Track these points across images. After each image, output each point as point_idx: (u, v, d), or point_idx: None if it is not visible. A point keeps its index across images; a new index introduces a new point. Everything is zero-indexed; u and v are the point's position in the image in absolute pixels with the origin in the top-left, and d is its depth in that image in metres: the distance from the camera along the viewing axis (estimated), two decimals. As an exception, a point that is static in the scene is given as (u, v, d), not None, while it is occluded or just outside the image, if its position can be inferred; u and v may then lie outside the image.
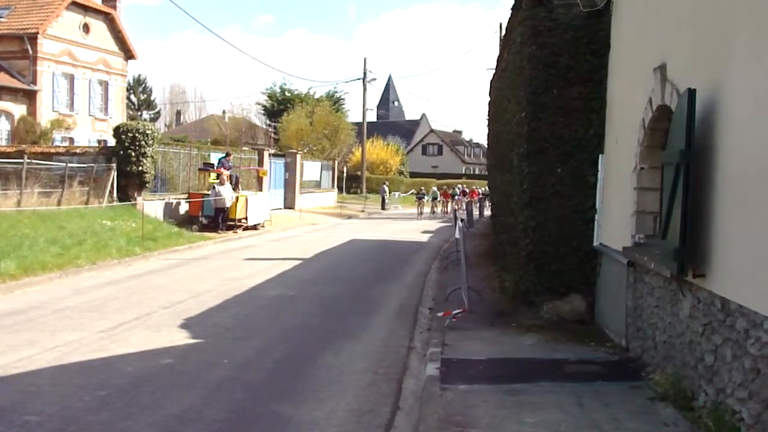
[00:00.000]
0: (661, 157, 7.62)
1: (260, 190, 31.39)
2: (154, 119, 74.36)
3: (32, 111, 35.75)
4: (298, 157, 39.33)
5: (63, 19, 37.48)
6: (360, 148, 58.44)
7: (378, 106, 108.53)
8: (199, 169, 27.21)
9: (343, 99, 66.57)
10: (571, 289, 10.70)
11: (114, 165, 23.19)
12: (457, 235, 13.74)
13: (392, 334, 10.43)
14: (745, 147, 5.62)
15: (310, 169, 42.09)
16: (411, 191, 59.03)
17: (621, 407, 6.70)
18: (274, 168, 35.75)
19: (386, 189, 47.62)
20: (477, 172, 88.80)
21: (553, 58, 10.74)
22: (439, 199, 46.31)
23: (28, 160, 21.60)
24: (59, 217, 19.29)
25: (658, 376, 7.25)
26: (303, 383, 7.74)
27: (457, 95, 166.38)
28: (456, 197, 47.55)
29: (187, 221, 24.46)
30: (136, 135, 23.43)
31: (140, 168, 23.39)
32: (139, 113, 72.09)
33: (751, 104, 5.55)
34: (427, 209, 44.65)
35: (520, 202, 11.52)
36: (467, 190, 50.43)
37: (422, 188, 45.94)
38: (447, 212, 44.57)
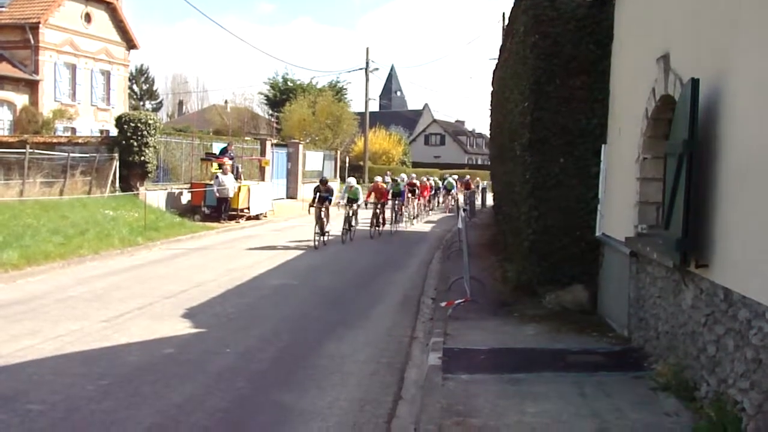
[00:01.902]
0: (665, 147, 7.60)
1: (262, 180, 31.38)
2: (156, 109, 74.29)
3: (34, 101, 35.70)
4: (301, 147, 39.28)
5: (64, 8, 37.38)
6: (362, 138, 58.38)
7: (380, 96, 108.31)
8: (202, 159, 27.21)
9: (345, 89, 66.39)
10: (573, 280, 10.70)
11: (116, 155, 23.17)
12: (459, 225, 13.73)
13: (395, 323, 10.44)
14: (749, 137, 5.60)
15: (313, 159, 42.01)
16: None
17: (623, 397, 6.70)
18: (276, 158, 35.71)
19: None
20: (479, 162, 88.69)
21: (556, 47, 10.71)
22: (360, 201, 21.72)
23: (31, 150, 21.59)
24: (61, 207, 19.30)
25: (660, 367, 7.25)
26: (305, 373, 7.76)
27: (459, 85, 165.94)
28: (399, 198, 26.42)
29: (190, 211, 24.46)
30: (139, 125, 23.41)
31: (142, 158, 23.38)
32: (141, 103, 72.03)
33: (755, 95, 5.53)
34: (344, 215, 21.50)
35: (523, 192, 11.51)
36: (417, 183, 30.79)
37: (325, 177, 24.16)
38: (382, 222, 23.42)
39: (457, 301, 10.67)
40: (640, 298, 8.49)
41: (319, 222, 19.32)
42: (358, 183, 23.51)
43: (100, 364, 7.77)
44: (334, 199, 20.75)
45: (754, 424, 5.21)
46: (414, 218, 28.90)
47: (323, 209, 19.49)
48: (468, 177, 44.27)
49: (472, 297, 11.01)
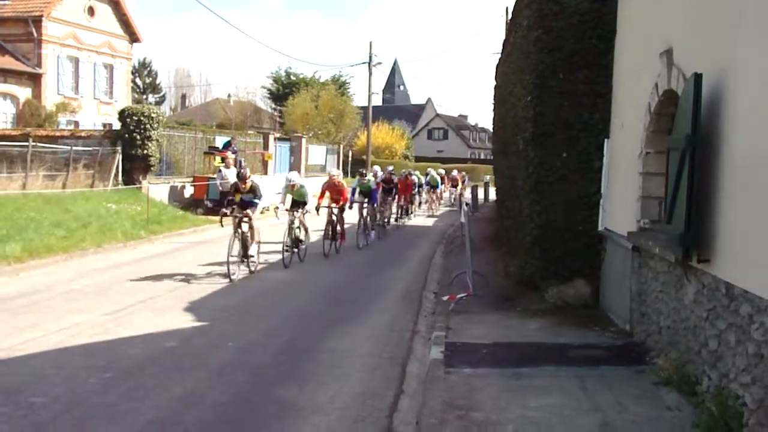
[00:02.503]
0: (667, 142, 7.59)
1: (265, 173, 31.39)
2: (159, 103, 74.23)
3: (37, 94, 35.71)
4: (303, 140, 39.26)
5: (67, 1, 37.28)
6: (365, 132, 58.35)
7: (383, 90, 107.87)
8: (205, 153, 27.24)
9: (348, 83, 66.40)
10: (575, 274, 10.70)
11: (119, 148, 23.19)
12: (462, 220, 13.72)
13: (396, 317, 10.44)
14: (752, 132, 5.59)
15: (315, 153, 42.00)
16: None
17: (625, 391, 6.71)
18: (279, 152, 35.72)
19: None
20: (482, 156, 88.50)
21: (559, 42, 10.70)
22: (309, 206, 15.61)
23: (33, 143, 21.61)
24: (64, 200, 19.32)
25: (662, 361, 7.25)
26: (307, 367, 7.77)
27: (463, 79, 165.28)
28: (370, 199, 19.14)
29: (192, 205, 24.48)
30: (141, 118, 23.44)
31: (145, 151, 23.39)
32: (144, 97, 71.98)
33: (758, 89, 5.51)
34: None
35: (526, 186, 11.51)
36: (395, 179, 23.91)
37: (244, 170, 14.17)
38: (341, 234, 16.90)
39: (459, 295, 10.68)
40: (642, 292, 8.49)
41: (237, 240, 13.07)
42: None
43: (103, 358, 7.78)
44: (260, 205, 13.90)
45: (756, 419, 5.21)
46: (369, 232, 19.26)
47: (243, 220, 13.21)
48: (455, 172, 39.69)
49: (474, 291, 11.01)
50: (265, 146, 33.56)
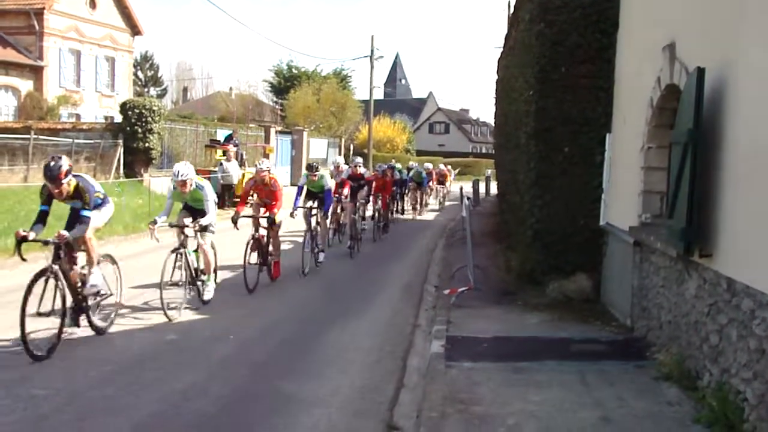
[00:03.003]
0: (669, 136, 7.57)
1: (266, 167, 31.34)
2: (160, 96, 74.04)
3: (39, 87, 35.73)
4: (305, 134, 39.25)
5: (69, -6, 37.37)
6: (367, 126, 58.27)
7: (385, 84, 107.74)
8: (206, 146, 27.24)
9: (350, 76, 66.22)
10: (577, 268, 10.68)
11: (121, 141, 23.22)
12: (463, 214, 13.69)
13: (397, 311, 10.44)
14: (754, 126, 5.57)
15: (317, 147, 42.02)
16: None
17: (625, 386, 6.70)
18: (280, 145, 35.74)
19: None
20: (484, 150, 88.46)
21: (562, 36, 10.66)
22: (211, 218, 10.24)
23: (35, 136, 21.65)
24: (66, 193, 19.26)
25: (663, 356, 7.24)
26: (308, 360, 7.76)
27: (465, 73, 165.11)
28: (323, 201, 13.98)
29: (194, 198, 24.41)
30: (143, 111, 23.46)
31: (147, 144, 23.42)
32: (146, 90, 71.91)
33: (761, 84, 5.49)
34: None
35: (527, 180, 11.49)
36: (365, 174, 17.88)
37: (59, 164, 7.90)
38: (271, 253, 11.66)
39: (460, 289, 10.67)
40: (643, 287, 8.48)
41: (52, 281, 7.80)
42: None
43: (104, 351, 7.79)
44: (99, 219, 8.77)
45: (757, 414, 5.21)
46: (319, 251, 13.57)
47: (60, 248, 8.02)
48: (442, 165, 37.68)
49: (475, 285, 11.00)
50: (267, 139, 33.57)
